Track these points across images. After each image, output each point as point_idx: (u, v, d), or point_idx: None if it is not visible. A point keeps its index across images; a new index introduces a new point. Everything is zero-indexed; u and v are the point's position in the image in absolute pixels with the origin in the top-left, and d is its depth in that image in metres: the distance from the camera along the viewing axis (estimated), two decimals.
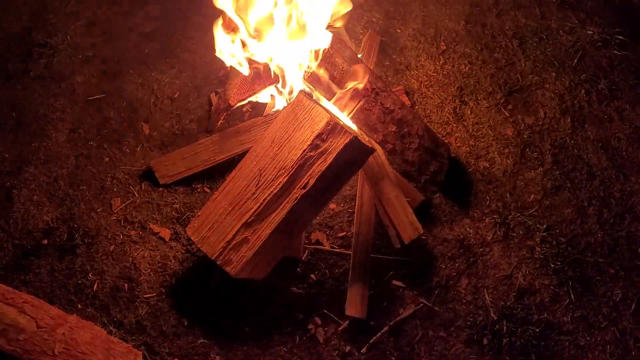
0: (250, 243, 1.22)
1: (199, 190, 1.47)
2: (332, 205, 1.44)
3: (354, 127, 1.29)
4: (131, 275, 1.39)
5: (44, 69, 1.64)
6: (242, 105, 1.42)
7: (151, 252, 1.41)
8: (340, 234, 1.40)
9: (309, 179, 1.18)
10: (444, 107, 1.54)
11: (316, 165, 1.18)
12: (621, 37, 1.61)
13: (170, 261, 1.40)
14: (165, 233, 1.44)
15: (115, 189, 1.48)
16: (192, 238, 1.26)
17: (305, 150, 1.18)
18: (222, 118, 1.43)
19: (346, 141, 1.15)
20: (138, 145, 1.53)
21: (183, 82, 1.61)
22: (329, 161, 1.17)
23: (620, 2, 1.66)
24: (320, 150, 1.17)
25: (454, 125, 1.51)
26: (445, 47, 1.61)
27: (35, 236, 1.43)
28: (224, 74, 1.58)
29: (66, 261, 1.40)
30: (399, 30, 1.65)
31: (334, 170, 1.19)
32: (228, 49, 1.28)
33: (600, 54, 1.60)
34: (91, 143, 1.54)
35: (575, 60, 1.58)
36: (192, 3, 1.71)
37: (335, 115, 1.21)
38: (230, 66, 1.33)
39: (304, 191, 1.19)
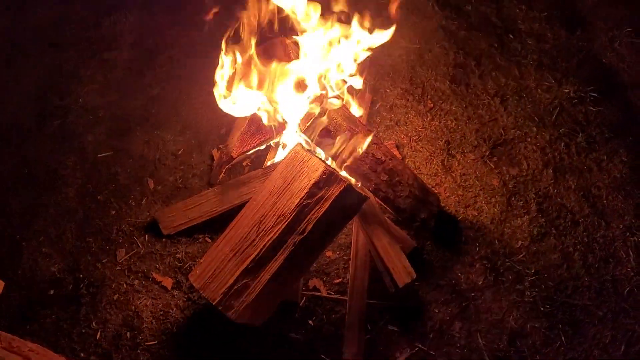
0: (251, 288, 1.28)
1: (200, 240, 1.53)
2: (328, 253, 1.50)
3: (347, 176, 1.37)
4: (134, 324, 1.42)
5: (57, 128, 1.75)
6: (242, 159, 1.51)
7: (153, 301, 1.46)
8: (337, 281, 1.46)
9: (307, 225, 1.25)
10: (433, 160, 1.63)
11: (313, 212, 1.25)
12: (595, 94, 1.73)
13: (172, 309, 1.44)
14: (168, 282, 1.49)
15: (120, 241, 1.55)
16: (194, 285, 1.31)
17: (302, 197, 1.26)
18: (223, 171, 1.51)
19: (341, 189, 1.23)
20: (143, 199, 1.61)
21: (186, 139, 1.71)
22: (325, 207, 1.24)
23: (592, 62, 1.80)
24: (316, 197, 1.25)
25: (443, 176, 1.60)
26: (432, 105, 1.73)
27: (42, 287, 1.48)
28: (226, 132, 1.69)
29: (71, 311, 1.44)
30: (388, 90, 1.77)
31: (330, 217, 1.26)
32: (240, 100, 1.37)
33: (577, 110, 1.71)
34: (99, 197, 1.62)
35: (554, 116, 1.69)
36: (196, 66, 1.84)
37: (330, 165, 1.30)
38: (235, 122, 1.43)
39: (301, 237, 1.25)
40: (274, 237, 1.27)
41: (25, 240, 1.54)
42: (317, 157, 1.30)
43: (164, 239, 1.53)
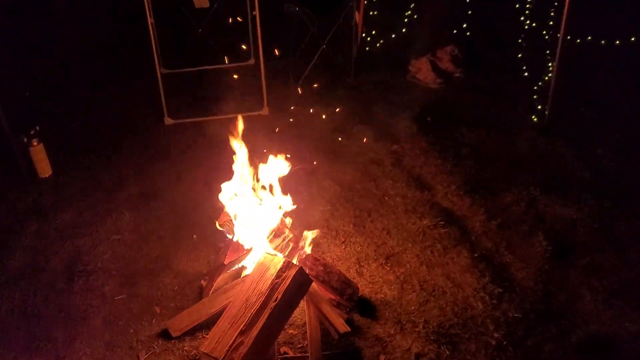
0: (245, 343, 1.94)
1: (201, 336, 2.18)
2: (290, 331, 2.20)
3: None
4: None
5: (82, 285, 2.42)
6: (230, 267, 2.27)
7: None
8: (299, 345, 2.14)
9: (278, 295, 2.00)
10: (350, 270, 2.47)
11: (281, 286, 2.02)
12: (442, 222, 2.73)
13: None
14: None
15: (140, 347, 2.15)
16: (205, 350, 1.95)
17: (273, 279, 2.03)
18: (215, 280, 2.25)
19: (296, 270, 2.03)
20: (153, 319, 2.26)
21: (180, 280, 2.45)
22: (288, 282, 2.02)
23: (438, 206, 2.84)
24: (282, 277, 2.03)
25: (358, 279, 2.43)
26: (344, 240, 2.64)
27: None
28: (207, 273, 2.45)
29: None
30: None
31: (292, 289, 2.03)
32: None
33: (433, 232, 2.69)
34: (120, 322, 2.25)
35: (420, 237, 2.65)
36: (179, 237, 2.66)
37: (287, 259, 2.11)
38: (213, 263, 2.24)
39: (275, 302, 1.99)
40: (257, 306, 1.99)
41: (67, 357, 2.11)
42: (279, 255, 2.12)
43: (173, 340, 2.17)
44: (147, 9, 3.22)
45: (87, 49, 4.34)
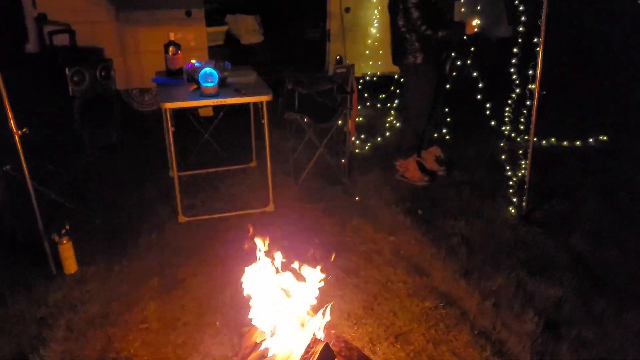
0: None
1: None
2: None
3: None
4: None
5: None
6: None
7: None
8: None
9: None
10: (364, 349, 2.70)
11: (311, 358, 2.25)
12: (444, 309, 3.01)
13: None
14: None
15: None
16: None
17: (302, 355, 2.26)
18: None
19: (323, 346, 2.28)
20: None
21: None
22: (315, 357, 2.25)
23: (437, 292, 3.14)
24: (310, 353, 2.27)
25: (372, 356, 2.66)
26: (355, 321, 2.89)
27: None
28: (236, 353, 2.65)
29: None
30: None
31: None
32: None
33: (434, 314, 2.96)
34: None
35: (424, 317, 2.92)
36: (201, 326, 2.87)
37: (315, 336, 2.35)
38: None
39: None
40: None
41: None
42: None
43: None
44: (168, 118, 3.61)
45: (101, 152, 4.71)
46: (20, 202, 3.45)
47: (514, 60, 3.96)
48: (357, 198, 4.08)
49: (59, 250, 3.22)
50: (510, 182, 4.14)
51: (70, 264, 3.25)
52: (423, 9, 3.86)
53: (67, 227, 3.23)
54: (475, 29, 3.98)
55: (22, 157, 2.78)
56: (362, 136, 5.29)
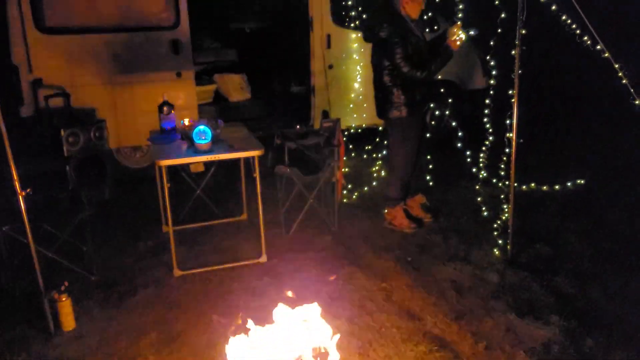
0: None
1: None
2: None
3: None
4: None
5: None
6: None
7: None
8: None
9: None
10: None
11: None
12: (439, 353, 3.09)
13: None
14: None
15: None
16: None
17: None
18: None
19: None
20: None
21: None
22: None
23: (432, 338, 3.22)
24: None
25: None
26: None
27: None
28: None
29: None
30: None
31: None
32: None
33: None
34: None
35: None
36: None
37: None
38: None
39: None
40: None
41: None
42: None
43: None
44: (163, 175, 3.74)
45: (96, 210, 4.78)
46: (18, 259, 3.51)
47: (487, 111, 4.19)
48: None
49: (58, 308, 3.25)
50: (495, 227, 4.29)
51: (69, 321, 3.28)
52: (410, 60, 4.09)
53: (66, 284, 3.28)
54: (458, 42, 4.13)
55: (25, 218, 2.87)
56: (350, 186, 5.44)
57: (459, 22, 4.22)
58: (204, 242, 4.44)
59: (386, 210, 4.67)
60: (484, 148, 4.57)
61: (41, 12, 4.90)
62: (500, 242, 4.15)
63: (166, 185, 3.78)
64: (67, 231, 3.64)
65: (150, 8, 5.32)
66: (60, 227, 3.64)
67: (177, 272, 3.90)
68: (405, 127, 4.36)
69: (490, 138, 4.38)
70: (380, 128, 5.89)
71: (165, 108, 4.15)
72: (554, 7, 3.64)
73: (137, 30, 5.24)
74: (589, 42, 3.59)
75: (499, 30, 4.06)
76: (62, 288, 3.25)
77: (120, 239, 4.45)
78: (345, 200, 5.19)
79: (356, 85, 6.12)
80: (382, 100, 4.41)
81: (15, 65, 4.82)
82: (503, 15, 3.99)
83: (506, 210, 4.16)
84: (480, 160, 4.87)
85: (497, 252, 4.10)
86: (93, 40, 5.11)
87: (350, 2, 5.96)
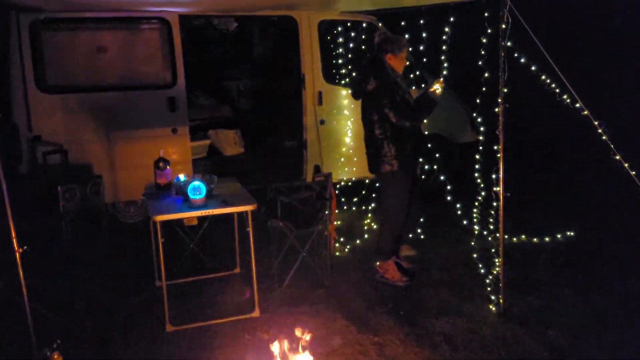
0: None
1: None
2: None
3: None
4: None
5: None
6: None
7: None
8: None
9: None
10: None
11: None
12: None
13: None
14: None
15: None
16: None
17: None
18: None
19: None
20: None
21: None
22: None
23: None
24: None
25: None
26: None
27: None
28: None
29: None
30: None
31: None
32: None
33: None
34: None
35: None
36: None
37: None
38: None
39: None
40: None
41: None
42: None
43: None
44: (158, 231, 3.79)
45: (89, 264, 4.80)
46: (10, 315, 3.50)
47: (477, 166, 4.32)
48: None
49: None
50: (487, 280, 4.33)
51: None
52: (397, 110, 4.25)
53: (59, 342, 3.26)
54: (438, 92, 4.33)
55: (22, 276, 2.90)
56: (342, 239, 5.49)
57: (441, 78, 4.44)
58: (197, 296, 4.44)
59: (378, 264, 4.71)
60: (475, 202, 4.67)
61: (43, 72, 5.07)
62: (493, 296, 4.18)
63: (160, 241, 3.82)
64: (61, 287, 3.65)
65: (149, 67, 5.51)
66: (53, 283, 3.65)
67: (170, 328, 3.89)
68: (397, 180, 4.46)
69: (480, 191, 4.49)
70: (367, 181, 6.02)
71: (161, 164, 4.25)
72: (533, 68, 3.82)
73: (135, 89, 5.41)
74: (568, 100, 3.76)
75: (483, 89, 4.23)
76: (55, 345, 3.23)
77: (113, 294, 4.44)
78: (337, 254, 5.23)
79: (347, 139, 6.27)
80: (373, 155, 4.53)
81: (16, 123, 4.94)
82: (486, 75, 4.17)
83: (497, 263, 4.21)
84: (471, 213, 4.96)
85: (490, 306, 4.13)
86: (92, 99, 5.26)
87: (340, 61, 6.19)
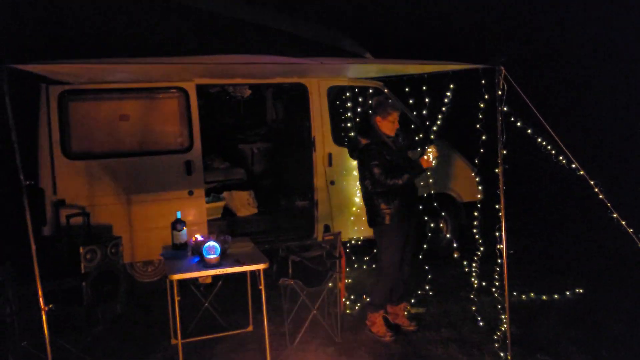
0: None
1: None
2: None
3: None
4: None
5: None
6: None
7: None
8: None
9: None
10: None
11: None
12: None
13: None
14: None
15: None
16: None
17: None
18: None
19: None
20: None
21: None
22: None
23: None
24: None
25: None
26: None
27: None
28: None
29: None
30: None
31: None
32: None
33: None
34: None
35: None
36: None
37: None
38: None
39: None
40: None
41: None
42: None
43: None
44: (175, 289, 3.97)
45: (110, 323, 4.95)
46: None
47: (478, 222, 4.47)
48: None
49: None
50: (495, 337, 4.39)
51: None
52: (383, 169, 4.47)
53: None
54: (433, 162, 4.51)
55: (46, 334, 3.06)
56: (352, 297, 5.60)
57: (434, 144, 4.64)
58: (211, 355, 4.54)
59: (368, 316, 4.82)
60: (475, 258, 4.79)
61: (69, 140, 5.41)
62: (502, 353, 4.23)
63: (177, 299, 3.98)
64: (81, 346, 3.80)
65: (167, 133, 5.84)
66: (73, 342, 3.80)
67: None
68: (389, 234, 4.65)
69: (481, 249, 4.62)
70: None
71: (177, 225, 4.47)
72: (529, 131, 4.05)
73: (154, 154, 5.71)
74: (564, 161, 3.95)
75: (481, 150, 4.45)
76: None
77: (130, 353, 4.56)
78: (348, 311, 5.32)
79: (356, 199, 6.48)
80: (369, 211, 4.76)
81: (42, 188, 5.23)
82: (484, 137, 4.40)
83: (504, 319, 4.29)
84: (478, 270, 5.07)
85: None
86: (113, 164, 5.56)
87: (349, 124, 6.49)
